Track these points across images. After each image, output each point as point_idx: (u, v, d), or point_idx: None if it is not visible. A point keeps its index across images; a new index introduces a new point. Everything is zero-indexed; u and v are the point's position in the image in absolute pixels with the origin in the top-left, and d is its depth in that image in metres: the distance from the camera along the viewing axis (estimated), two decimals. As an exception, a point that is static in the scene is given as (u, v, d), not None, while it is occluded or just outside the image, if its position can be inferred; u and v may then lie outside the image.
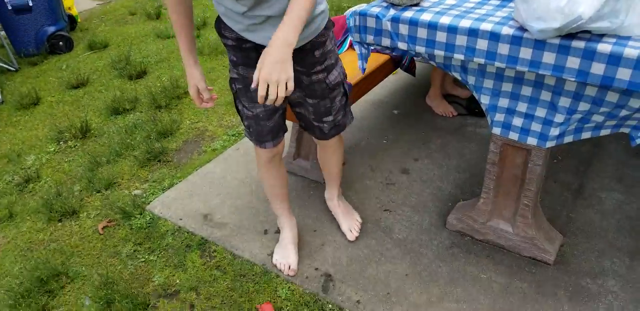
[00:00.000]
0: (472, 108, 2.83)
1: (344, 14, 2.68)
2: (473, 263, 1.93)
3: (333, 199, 2.13)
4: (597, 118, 1.59)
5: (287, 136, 2.61)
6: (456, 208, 2.12)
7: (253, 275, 1.92)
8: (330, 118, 1.72)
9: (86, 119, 3.00)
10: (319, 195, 2.29)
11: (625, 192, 2.25)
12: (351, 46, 2.41)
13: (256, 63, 1.50)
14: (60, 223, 2.28)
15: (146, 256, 2.05)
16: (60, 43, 4.07)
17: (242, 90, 1.60)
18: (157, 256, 2.04)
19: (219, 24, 1.51)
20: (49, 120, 3.14)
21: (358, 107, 2.99)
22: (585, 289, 1.80)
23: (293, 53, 1.38)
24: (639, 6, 1.29)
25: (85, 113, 3.16)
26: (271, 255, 2.00)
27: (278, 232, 2.11)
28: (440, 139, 2.66)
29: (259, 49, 1.50)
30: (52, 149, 2.83)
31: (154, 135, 2.81)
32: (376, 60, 2.30)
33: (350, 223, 2.07)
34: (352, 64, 2.26)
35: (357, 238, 2.05)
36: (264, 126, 1.65)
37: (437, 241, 2.04)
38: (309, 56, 1.55)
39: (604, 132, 1.67)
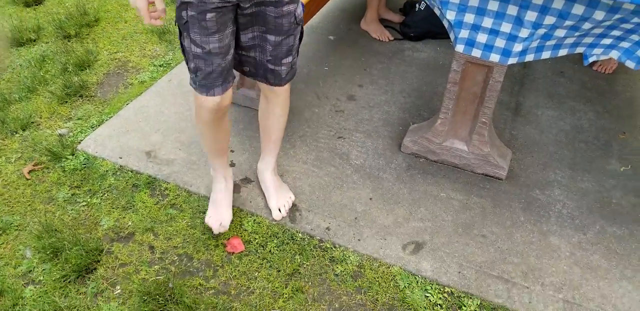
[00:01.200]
0: (406, 32, 2.79)
1: None
2: (431, 183, 1.96)
3: (267, 170, 1.82)
4: (559, 33, 1.59)
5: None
6: (410, 131, 2.11)
7: (214, 210, 1.82)
8: (289, 59, 1.52)
9: (-19, 52, 2.59)
10: (268, 125, 2.19)
11: (557, 108, 2.36)
12: None
13: (220, 22, 1.32)
14: (-25, 171, 2.00)
15: (87, 200, 1.86)
16: None
17: (195, 18, 1.31)
18: (101, 199, 1.87)
19: None
20: None
21: (292, 33, 2.83)
22: (536, 200, 1.91)
23: None
24: None
25: (-23, 46, 2.73)
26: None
27: (232, 165, 2.00)
28: (381, 64, 2.60)
29: None
30: (-54, 88, 2.43)
31: (71, 68, 2.50)
32: (321, -22, 2.15)
33: (281, 201, 1.79)
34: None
35: (283, 218, 1.80)
36: (215, 66, 1.39)
37: (394, 164, 2.03)
38: None
39: (562, 52, 1.69)
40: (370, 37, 2.80)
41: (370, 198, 1.88)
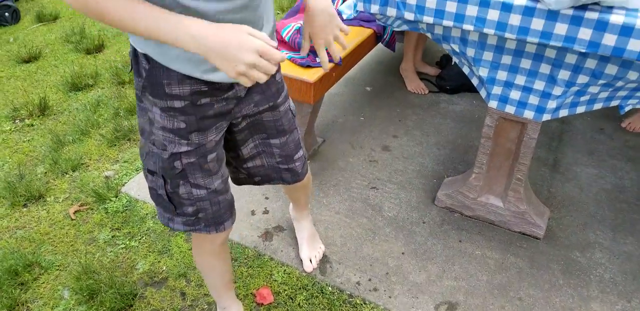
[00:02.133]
0: (442, 85, 2.83)
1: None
2: (466, 239, 1.93)
3: (305, 220, 1.82)
4: (593, 89, 1.59)
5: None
6: (444, 185, 2.10)
7: (245, 259, 1.84)
8: (300, 152, 1.39)
9: (44, 95, 2.78)
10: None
11: (597, 166, 2.30)
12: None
13: (215, 122, 1.14)
14: (25, 209, 2.11)
15: (126, 242, 1.93)
16: (6, 14, 3.76)
17: (194, 165, 1.15)
18: (139, 242, 1.93)
19: (160, 82, 1.04)
20: (0, 97, 2.89)
21: (333, 83, 2.92)
22: (576, 262, 1.84)
23: (254, 86, 1.18)
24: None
25: (41, 89, 2.93)
26: (261, 236, 1.93)
27: (266, 212, 2.03)
28: (416, 116, 2.63)
29: (217, 97, 1.10)
30: (8, 128, 2.61)
31: (122, 113, 2.65)
32: (360, 34, 2.23)
33: (312, 252, 1.80)
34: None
35: (313, 269, 1.80)
36: (222, 202, 1.24)
37: (428, 218, 2.02)
38: (272, 82, 1.24)
39: (597, 106, 1.68)
40: (406, 89, 2.85)
41: (403, 253, 1.87)
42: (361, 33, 2.24)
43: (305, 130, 2.18)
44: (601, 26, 1.30)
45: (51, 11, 3.93)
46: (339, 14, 2.27)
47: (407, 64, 2.83)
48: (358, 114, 2.64)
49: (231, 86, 1.11)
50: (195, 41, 0.85)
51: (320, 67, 1.95)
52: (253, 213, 2.03)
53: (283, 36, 2.06)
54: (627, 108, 1.68)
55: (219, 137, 1.18)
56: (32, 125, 2.63)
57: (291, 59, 2.00)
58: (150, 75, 1.04)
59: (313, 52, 2.01)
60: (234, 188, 2.13)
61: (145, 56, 1.02)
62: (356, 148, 2.40)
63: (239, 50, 0.85)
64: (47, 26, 3.78)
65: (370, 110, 2.67)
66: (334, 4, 2.33)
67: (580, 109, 1.68)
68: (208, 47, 0.85)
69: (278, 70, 1.28)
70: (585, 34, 1.33)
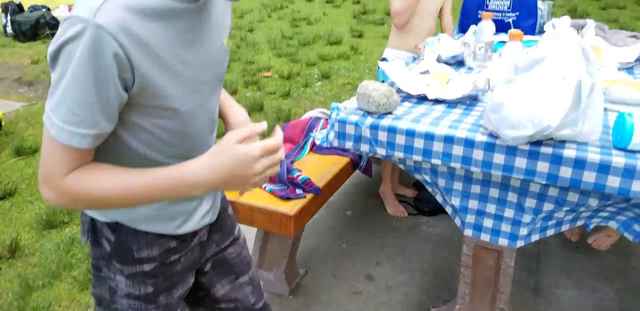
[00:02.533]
0: (420, 207, 2.91)
1: (305, 116, 2.76)
2: (456, 374, 1.84)
3: None
4: (559, 214, 1.68)
5: (250, 245, 2.48)
6: (429, 316, 2.06)
7: None
8: (262, 282, 1.36)
9: (16, 235, 2.73)
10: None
11: (577, 287, 2.31)
12: (312, 149, 2.45)
13: (182, 278, 1.12)
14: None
15: None
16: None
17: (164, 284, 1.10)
18: None
19: (129, 249, 1.02)
20: (-32, 238, 2.83)
21: (309, 213, 2.97)
22: None
23: (212, 226, 1.18)
24: (591, 116, 1.43)
25: (13, 228, 2.89)
26: None
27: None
28: (397, 241, 2.66)
29: (185, 249, 1.10)
30: (-26, 272, 2.51)
31: (96, 251, 2.59)
32: (337, 163, 2.35)
33: None
34: (316, 168, 2.28)
35: None
36: None
37: (415, 352, 1.94)
38: (226, 217, 1.24)
39: (565, 228, 1.75)
40: (386, 214, 2.91)
41: None
42: (338, 162, 2.36)
43: (287, 264, 2.17)
44: (557, 160, 1.43)
45: (31, 144, 3.99)
46: (314, 139, 2.42)
47: (386, 187, 2.92)
48: (339, 241, 2.65)
49: (195, 233, 1.12)
50: (205, 187, 0.85)
51: (301, 198, 2.01)
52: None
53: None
54: (592, 226, 1.76)
55: (184, 293, 1.16)
56: (0, 269, 2.54)
57: (271, 192, 2.06)
58: (117, 243, 1.02)
59: (293, 183, 2.09)
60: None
61: (109, 226, 1.02)
62: (339, 279, 2.37)
63: (245, 169, 0.83)
64: (26, 160, 3.83)
65: (352, 237, 2.69)
66: (306, 148, 2.46)
67: (550, 232, 1.75)
68: (219, 185, 0.85)
69: (228, 205, 1.28)
70: (543, 167, 1.45)
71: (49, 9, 7.20)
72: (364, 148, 1.69)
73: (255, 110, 4.42)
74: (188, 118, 0.94)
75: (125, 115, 0.86)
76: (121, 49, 0.77)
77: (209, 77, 0.97)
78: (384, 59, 2.88)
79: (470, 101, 1.81)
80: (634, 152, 1.40)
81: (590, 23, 2.59)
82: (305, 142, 2.46)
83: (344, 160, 2.38)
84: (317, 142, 2.40)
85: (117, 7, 0.77)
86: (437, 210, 2.88)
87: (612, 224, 1.71)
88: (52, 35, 6.94)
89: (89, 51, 0.75)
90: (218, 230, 1.21)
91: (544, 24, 2.89)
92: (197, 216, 1.09)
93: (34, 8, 7.09)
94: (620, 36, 2.68)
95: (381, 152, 1.65)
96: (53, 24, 6.82)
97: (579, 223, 1.75)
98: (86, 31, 0.74)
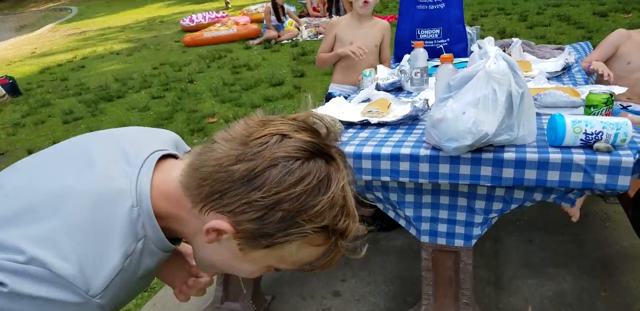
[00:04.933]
0: (378, 224, 2.97)
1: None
2: None
3: None
4: (507, 211, 1.77)
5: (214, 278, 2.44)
6: (400, 322, 2.11)
7: None
8: None
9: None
10: (258, 337, 2.15)
11: (535, 276, 2.43)
12: None
13: None
14: None
15: None
16: None
17: None
18: None
19: None
20: None
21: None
22: None
23: None
24: (525, 121, 1.53)
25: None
26: None
27: None
28: (360, 257, 2.70)
29: None
30: None
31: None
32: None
33: None
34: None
35: None
36: None
37: (392, 361, 1.98)
38: None
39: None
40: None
41: None
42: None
43: (252, 291, 2.17)
44: (498, 163, 1.52)
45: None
46: None
47: None
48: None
49: None
50: None
51: None
52: None
53: None
54: (527, 204, 1.84)
55: None
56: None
57: None
58: None
59: None
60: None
61: None
62: (307, 299, 2.39)
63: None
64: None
65: (311, 257, 2.70)
66: None
67: (494, 220, 1.82)
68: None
69: None
70: (486, 171, 1.54)
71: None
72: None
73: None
74: None
75: None
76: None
77: None
78: (330, 94, 2.97)
79: (412, 121, 1.89)
80: (568, 147, 1.50)
81: (516, 41, 2.79)
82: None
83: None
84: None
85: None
86: (395, 224, 2.95)
87: (551, 198, 1.81)
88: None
89: None
90: None
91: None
92: None
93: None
94: (547, 49, 2.90)
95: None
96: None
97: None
98: (79, 304, 0.66)
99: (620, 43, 2.70)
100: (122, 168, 0.74)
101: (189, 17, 11.30)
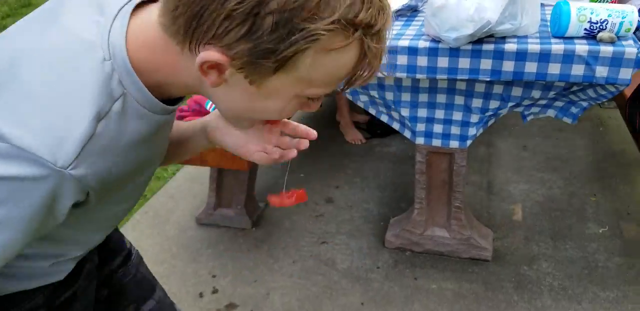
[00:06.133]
0: (374, 130, 2.93)
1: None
2: (420, 276, 1.94)
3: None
4: (504, 111, 1.71)
5: (205, 185, 2.40)
6: (391, 226, 2.13)
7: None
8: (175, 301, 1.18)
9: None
10: (251, 242, 2.17)
11: (527, 181, 2.44)
12: None
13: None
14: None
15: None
16: None
17: None
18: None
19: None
20: None
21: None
22: (526, 276, 1.90)
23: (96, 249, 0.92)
24: (529, 9, 1.43)
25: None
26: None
27: (215, 291, 1.93)
28: (354, 163, 2.68)
29: (78, 283, 0.88)
30: None
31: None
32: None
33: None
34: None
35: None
36: None
37: (381, 262, 2.02)
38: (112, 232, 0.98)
39: (502, 113, 1.76)
40: (341, 141, 2.90)
41: (362, 303, 1.83)
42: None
43: (245, 198, 2.15)
44: (499, 55, 1.43)
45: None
46: None
47: (343, 118, 2.90)
48: (297, 173, 2.64)
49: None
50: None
51: None
52: (201, 295, 1.92)
53: (207, 108, 2.04)
54: (529, 118, 1.81)
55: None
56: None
57: None
58: None
59: None
60: (176, 276, 2.02)
61: None
62: (300, 205, 2.39)
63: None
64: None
65: (309, 167, 2.67)
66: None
67: (490, 122, 1.78)
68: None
69: None
70: (486, 64, 1.45)
71: None
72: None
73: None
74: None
75: None
76: (86, 188, 0.61)
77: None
78: None
79: (411, 13, 1.76)
80: (571, 38, 1.42)
81: None
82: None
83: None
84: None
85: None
86: (389, 130, 2.90)
87: (551, 112, 1.77)
88: None
89: (47, 199, 0.58)
90: (103, 246, 0.94)
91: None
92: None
93: None
94: None
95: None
96: None
97: (517, 110, 1.79)
98: (50, 178, 0.57)
99: None
100: (93, 20, 0.62)
101: None
